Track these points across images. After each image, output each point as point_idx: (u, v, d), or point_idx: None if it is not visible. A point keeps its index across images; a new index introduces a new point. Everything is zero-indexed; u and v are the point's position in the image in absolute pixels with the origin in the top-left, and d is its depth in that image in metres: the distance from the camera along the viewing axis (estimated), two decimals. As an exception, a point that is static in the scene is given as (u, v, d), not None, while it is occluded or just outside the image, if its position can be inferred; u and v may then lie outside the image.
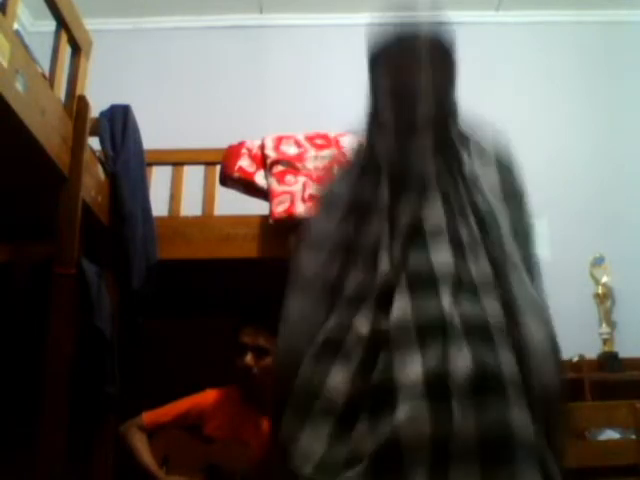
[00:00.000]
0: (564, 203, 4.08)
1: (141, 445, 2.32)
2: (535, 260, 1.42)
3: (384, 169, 1.36)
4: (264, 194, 2.88)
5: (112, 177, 2.64)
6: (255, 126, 3.53)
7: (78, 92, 2.46)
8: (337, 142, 2.95)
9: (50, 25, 2.39)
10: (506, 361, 1.20)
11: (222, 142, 3.05)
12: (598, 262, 3.92)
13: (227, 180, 2.98)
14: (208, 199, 3.06)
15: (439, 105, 1.37)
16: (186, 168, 3.12)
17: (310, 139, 2.97)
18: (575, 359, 3.56)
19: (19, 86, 1.91)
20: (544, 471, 1.18)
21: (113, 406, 2.49)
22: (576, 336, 3.63)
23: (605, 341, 3.77)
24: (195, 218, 3.02)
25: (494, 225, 1.33)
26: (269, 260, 2.83)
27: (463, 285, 1.25)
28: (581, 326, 3.74)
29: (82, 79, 2.50)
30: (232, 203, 3.04)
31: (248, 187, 2.95)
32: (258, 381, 2.29)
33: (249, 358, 2.28)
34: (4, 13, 1.90)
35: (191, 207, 3.08)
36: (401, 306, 1.23)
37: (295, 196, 2.77)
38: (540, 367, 1.23)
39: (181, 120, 4.12)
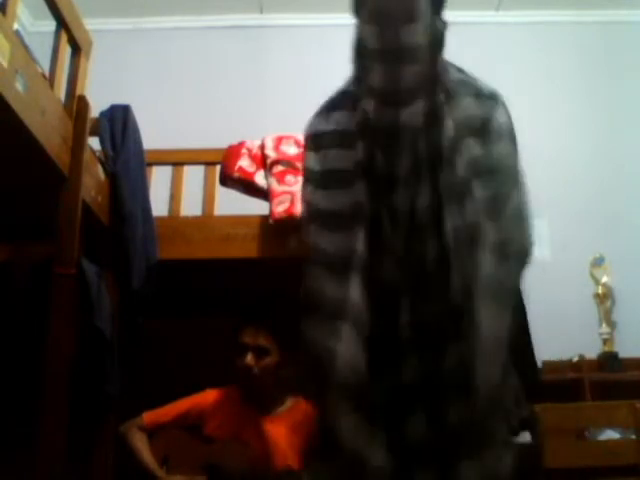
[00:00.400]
0: (564, 203, 4.08)
1: (141, 445, 2.32)
2: (504, 197, 1.33)
3: (371, 126, 1.33)
4: (264, 194, 2.88)
5: (112, 177, 2.64)
6: (255, 126, 3.53)
7: (78, 92, 2.46)
8: (337, 142, 2.95)
9: (50, 25, 2.39)
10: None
11: (222, 142, 3.05)
12: (598, 262, 3.92)
13: (227, 180, 2.98)
14: (208, 199, 3.06)
15: (425, 31, 1.32)
16: (186, 168, 3.12)
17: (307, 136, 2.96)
18: (575, 359, 3.56)
19: (19, 86, 1.91)
20: None
21: (113, 406, 2.49)
22: (576, 336, 3.65)
23: (605, 341, 3.77)
24: (195, 218, 3.02)
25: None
26: (269, 260, 2.83)
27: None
28: (581, 326, 3.75)
29: (82, 79, 2.50)
30: (232, 203, 3.04)
31: (248, 187, 2.95)
32: (258, 381, 2.29)
33: (249, 358, 2.27)
34: (4, 13, 1.89)
35: (191, 207, 3.08)
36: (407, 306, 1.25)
37: (295, 196, 2.77)
38: (484, 368, 1.20)
39: (181, 120, 4.12)
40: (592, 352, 3.67)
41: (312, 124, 1.46)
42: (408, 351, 1.20)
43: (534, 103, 4.30)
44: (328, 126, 1.41)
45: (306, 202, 1.40)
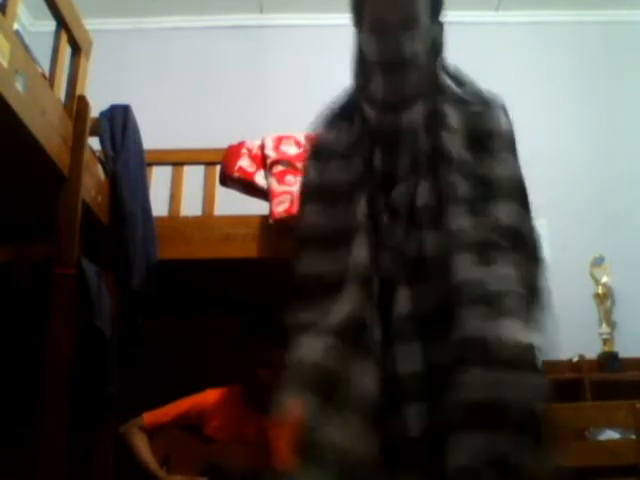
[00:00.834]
0: (564, 203, 4.08)
1: (142, 445, 2.32)
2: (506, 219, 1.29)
3: (372, 128, 1.33)
4: (264, 194, 2.88)
5: (112, 177, 2.64)
6: (255, 126, 3.53)
7: (78, 92, 2.46)
8: (337, 142, 2.95)
9: (50, 25, 2.39)
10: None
11: (222, 142, 3.05)
12: (598, 262, 3.92)
13: (227, 180, 2.98)
14: (208, 199, 3.06)
15: (424, 39, 1.33)
16: (186, 168, 3.12)
17: (310, 139, 2.96)
18: (575, 359, 3.56)
19: (19, 86, 1.91)
20: None
21: (113, 406, 2.49)
22: (576, 336, 3.64)
23: (605, 341, 3.77)
24: (195, 218, 3.02)
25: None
26: (269, 260, 2.83)
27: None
28: (581, 326, 3.74)
29: (82, 79, 2.50)
30: (232, 203, 3.04)
31: (248, 187, 2.95)
32: (268, 387, 2.29)
33: (262, 370, 2.26)
34: (4, 13, 1.90)
35: (191, 207, 3.08)
36: (402, 299, 1.23)
37: (295, 196, 2.77)
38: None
39: (181, 120, 4.12)
40: (592, 352, 3.67)
41: (318, 136, 1.47)
42: (403, 346, 1.20)
43: (534, 103, 4.30)
44: (332, 138, 1.42)
45: (302, 216, 1.40)
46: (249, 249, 2.85)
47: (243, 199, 3.02)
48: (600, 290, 3.88)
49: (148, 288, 2.64)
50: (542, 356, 1.25)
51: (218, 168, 3.03)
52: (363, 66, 1.37)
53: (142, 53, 4.47)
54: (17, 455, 2.32)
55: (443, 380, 1.16)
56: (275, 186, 2.83)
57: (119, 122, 2.70)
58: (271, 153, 2.92)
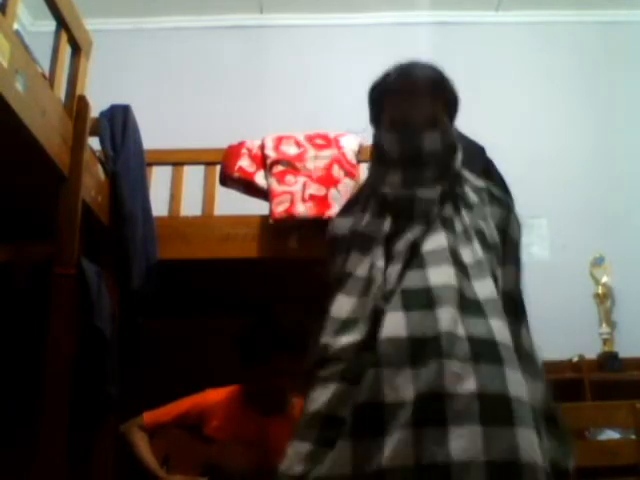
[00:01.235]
0: (564, 203, 4.08)
1: (142, 444, 2.32)
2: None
3: (388, 202, 1.38)
4: (264, 194, 2.88)
5: (112, 177, 2.64)
6: (255, 126, 3.53)
7: (78, 92, 2.46)
8: (337, 142, 2.95)
9: (50, 25, 2.39)
10: (514, 382, 1.18)
11: (222, 142, 3.05)
12: (598, 262, 3.92)
13: (227, 180, 2.97)
14: (208, 199, 3.06)
15: (443, 138, 1.39)
16: (186, 168, 3.12)
17: (310, 139, 2.96)
18: (575, 359, 3.56)
19: (19, 86, 1.91)
20: None
21: (113, 406, 2.49)
22: (576, 336, 3.65)
23: (605, 341, 3.77)
24: (195, 218, 3.02)
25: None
26: (269, 260, 2.83)
27: (467, 303, 1.24)
28: (581, 326, 3.75)
29: (82, 79, 2.50)
30: (232, 203, 3.04)
31: (248, 187, 2.95)
32: (268, 388, 2.29)
33: (281, 380, 2.26)
34: (4, 13, 1.89)
35: (191, 207, 3.08)
36: (393, 322, 1.22)
37: (295, 196, 2.77)
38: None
39: (181, 120, 4.13)
40: (592, 352, 3.67)
41: (334, 226, 1.51)
42: (391, 367, 1.21)
43: (534, 103, 4.30)
44: (348, 227, 1.46)
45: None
46: (249, 249, 2.85)
47: (243, 199, 3.02)
48: (600, 290, 3.88)
49: (148, 288, 2.64)
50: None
51: (218, 168, 3.03)
52: (383, 161, 1.42)
53: (142, 53, 4.47)
54: (17, 455, 2.32)
55: (431, 409, 1.15)
56: (275, 186, 2.83)
57: (119, 122, 2.70)
58: (271, 153, 2.92)
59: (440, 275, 1.25)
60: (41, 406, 2.11)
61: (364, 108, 1.49)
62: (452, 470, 1.09)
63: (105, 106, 2.76)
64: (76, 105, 2.42)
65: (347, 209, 1.53)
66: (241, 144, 3.02)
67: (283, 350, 2.21)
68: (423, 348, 1.18)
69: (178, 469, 2.34)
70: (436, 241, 1.31)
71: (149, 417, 2.37)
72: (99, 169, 2.60)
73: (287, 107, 4.11)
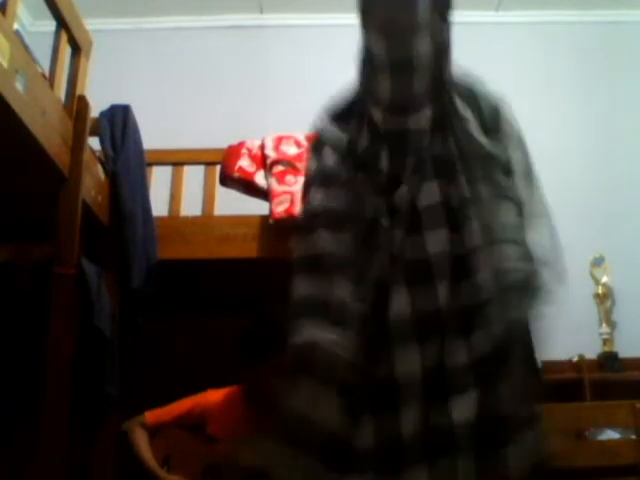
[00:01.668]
0: (564, 203, 4.07)
1: (142, 442, 2.33)
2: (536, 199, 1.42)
3: (381, 134, 1.33)
4: (264, 194, 2.88)
5: (112, 177, 2.64)
6: (255, 126, 3.53)
7: (78, 92, 2.46)
8: (337, 142, 2.95)
9: (50, 25, 2.39)
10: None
11: (222, 142, 3.05)
12: (598, 262, 3.92)
13: (227, 180, 2.98)
14: (208, 199, 3.06)
15: (434, 40, 1.30)
16: (186, 168, 3.12)
17: (310, 139, 2.96)
18: (575, 359, 3.56)
19: (19, 86, 1.91)
20: None
21: (113, 406, 2.49)
22: (576, 336, 3.64)
23: (605, 341, 3.77)
24: (195, 218, 3.02)
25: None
26: (269, 260, 2.83)
27: (458, 268, 1.25)
28: (581, 326, 3.74)
29: (82, 79, 2.50)
30: (232, 203, 3.04)
31: (248, 187, 2.95)
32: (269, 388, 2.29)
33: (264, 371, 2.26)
34: (4, 13, 1.90)
35: (191, 207, 3.08)
36: (398, 299, 1.24)
37: (295, 196, 2.77)
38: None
39: (181, 120, 4.12)
40: (592, 352, 3.67)
41: (320, 128, 1.47)
42: (400, 343, 1.21)
43: (534, 103, 4.29)
44: (335, 134, 1.42)
45: (307, 201, 1.41)
46: (249, 249, 2.85)
47: (243, 199, 3.02)
48: (600, 290, 3.88)
49: (148, 288, 2.64)
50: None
51: (218, 168, 3.03)
52: (370, 66, 1.35)
53: (142, 53, 4.46)
54: (17, 455, 2.32)
55: (441, 382, 1.17)
56: (275, 186, 2.83)
57: (119, 122, 2.70)
58: (271, 153, 2.92)
59: (437, 242, 1.26)
60: (41, 406, 2.11)
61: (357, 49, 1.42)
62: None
63: (105, 106, 2.76)
64: (76, 105, 2.42)
65: (342, 115, 1.46)
66: (241, 144, 3.02)
67: (283, 350, 2.22)
68: (426, 324, 1.22)
69: (178, 469, 2.34)
70: (430, 195, 1.29)
71: (151, 416, 2.37)
72: (99, 169, 2.60)
73: (287, 107, 4.10)
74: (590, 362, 3.57)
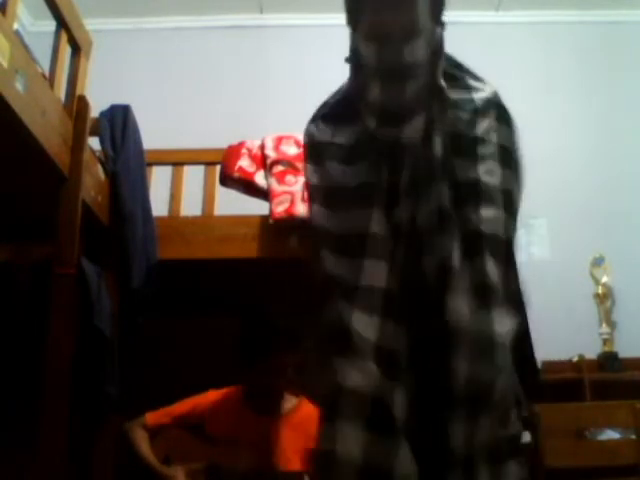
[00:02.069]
0: (564, 203, 4.08)
1: (142, 441, 2.33)
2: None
3: (376, 145, 1.29)
4: (264, 194, 2.88)
5: (112, 177, 2.64)
6: (255, 126, 3.53)
7: (78, 92, 2.46)
8: (337, 142, 2.95)
9: (50, 25, 2.39)
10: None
11: (222, 142, 3.05)
12: (598, 262, 3.92)
13: (227, 180, 2.98)
14: (208, 199, 3.06)
15: (428, 45, 1.22)
16: (186, 168, 3.12)
17: (304, 137, 2.96)
18: (575, 359, 3.56)
19: (19, 86, 1.91)
20: None
21: (113, 406, 2.49)
22: (576, 336, 3.65)
23: (605, 341, 3.77)
24: (195, 218, 3.02)
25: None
26: (269, 260, 2.83)
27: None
28: (581, 326, 3.75)
29: (82, 79, 2.50)
30: (232, 203, 3.04)
31: (248, 187, 2.95)
32: (269, 389, 2.30)
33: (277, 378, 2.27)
34: (4, 13, 1.89)
35: (191, 207, 3.08)
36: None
37: (295, 196, 2.77)
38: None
39: (181, 120, 4.12)
40: (592, 352, 3.67)
41: (311, 133, 1.43)
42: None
43: (534, 103, 4.30)
44: (328, 138, 1.39)
45: (313, 220, 1.37)
46: (249, 249, 2.85)
47: (243, 199, 3.02)
48: (600, 290, 3.88)
49: (148, 288, 2.64)
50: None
51: (218, 168, 3.03)
52: (360, 69, 1.29)
53: (142, 53, 4.47)
54: (17, 455, 2.32)
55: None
56: (275, 186, 2.83)
57: (119, 122, 2.70)
58: (271, 153, 2.92)
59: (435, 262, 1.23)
60: (41, 406, 2.11)
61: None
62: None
63: (105, 106, 2.76)
64: (76, 105, 2.42)
65: (333, 117, 1.41)
66: (241, 144, 3.02)
67: (282, 349, 2.22)
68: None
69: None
70: (427, 212, 1.25)
71: (151, 417, 2.38)
72: (99, 169, 2.60)
73: (287, 107, 4.10)
74: (590, 362, 3.57)
